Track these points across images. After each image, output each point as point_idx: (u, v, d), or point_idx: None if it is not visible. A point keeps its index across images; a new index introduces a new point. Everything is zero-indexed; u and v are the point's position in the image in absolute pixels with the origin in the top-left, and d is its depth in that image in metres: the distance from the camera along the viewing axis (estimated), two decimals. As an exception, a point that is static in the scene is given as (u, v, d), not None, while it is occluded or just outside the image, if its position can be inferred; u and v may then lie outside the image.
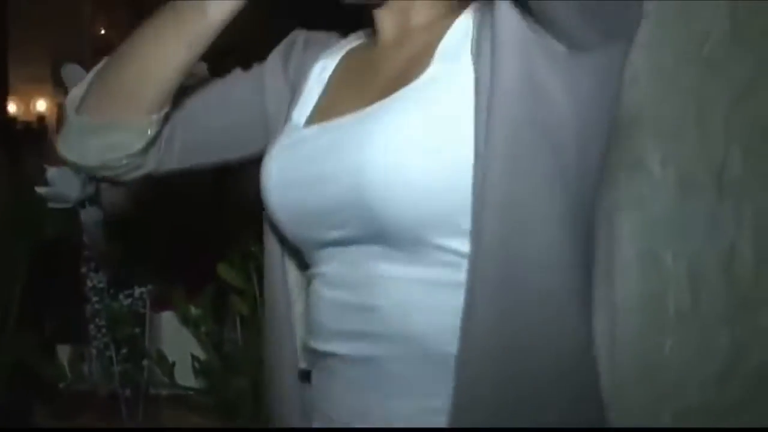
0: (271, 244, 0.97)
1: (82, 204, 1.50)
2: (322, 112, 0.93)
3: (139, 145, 0.91)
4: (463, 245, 0.76)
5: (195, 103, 0.98)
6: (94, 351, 1.55)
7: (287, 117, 0.96)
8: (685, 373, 1.38)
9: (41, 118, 6.17)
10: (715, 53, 1.31)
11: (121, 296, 1.53)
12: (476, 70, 0.77)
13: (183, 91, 0.95)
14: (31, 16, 5.96)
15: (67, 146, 0.93)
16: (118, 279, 1.54)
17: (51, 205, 1.49)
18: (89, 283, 1.53)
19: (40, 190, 1.47)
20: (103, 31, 4.86)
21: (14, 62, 6.21)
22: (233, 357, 1.55)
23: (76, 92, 0.94)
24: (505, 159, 0.74)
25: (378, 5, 0.90)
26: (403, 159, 0.76)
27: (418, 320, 0.80)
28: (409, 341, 0.80)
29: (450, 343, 0.77)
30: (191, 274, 1.55)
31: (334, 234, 0.83)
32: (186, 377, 1.58)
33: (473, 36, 0.80)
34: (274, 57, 1.03)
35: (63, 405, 1.63)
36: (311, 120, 0.93)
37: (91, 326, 1.55)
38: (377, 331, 0.82)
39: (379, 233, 0.79)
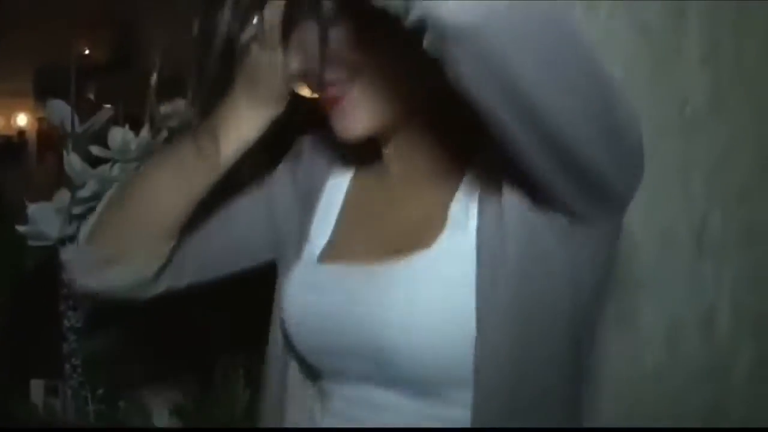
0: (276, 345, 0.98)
1: (62, 242, 1.49)
2: (338, 247, 0.96)
3: (149, 273, 0.92)
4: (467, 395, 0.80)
5: (204, 226, 0.99)
6: (69, 390, 1.53)
7: (302, 238, 0.97)
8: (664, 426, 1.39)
9: (21, 132, 6.14)
10: (696, 117, 1.33)
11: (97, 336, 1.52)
12: (479, 237, 0.79)
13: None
14: (13, 29, 5.95)
15: (74, 271, 0.94)
16: (96, 319, 1.53)
17: (31, 243, 1.48)
18: (66, 323, 1.52)
19: (21, 228, 1.46)
20: (87, 51, 4.84)
21: (-4, 76, 6.21)
22: (207, 400, 1.54)
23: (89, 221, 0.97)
24: (509, 327, 0.77)
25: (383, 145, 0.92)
26: (417, 322, 0.80)
27: None
28: None
29: None
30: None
31: (348, 371, 0.89)
32: (160, 417, 1.57)
33: (479, 199, 0.82)
34: (283, 172, 1.05)
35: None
36: (328, 253, 0.96)
37: (67, 365, 1.53)
38: None
39: (392, 379, 0.84)
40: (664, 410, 1.35)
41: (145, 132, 1.55)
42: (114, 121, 1.64)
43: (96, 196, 1.47)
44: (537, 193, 0.75)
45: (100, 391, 1.51)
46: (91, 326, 1.54)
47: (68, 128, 1.57)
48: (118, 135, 1.51)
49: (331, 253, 0.95)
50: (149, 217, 0.90)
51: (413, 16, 0.61)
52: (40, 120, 6.17)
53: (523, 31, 0.60)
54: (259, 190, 1.03)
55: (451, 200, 0.85)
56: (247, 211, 1.03)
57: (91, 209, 1.48)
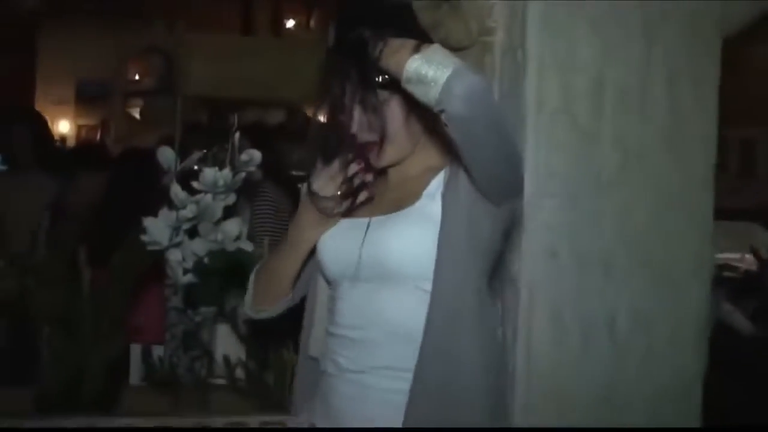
0: (315, 285, 1.63)
1: (170, 247, 2.14)
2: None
3: (282, 309, 1.64)
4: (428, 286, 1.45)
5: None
6: (168, 352, 2.18)
7: None
8: (578, 396, 2.02)
9: (63, 138, 6.78)
10: (609, 181, 1.99)
11: (191, 315, 2.17)
12: (443, 206, 1.45)
13: None
14: (58, 41, 6.59)
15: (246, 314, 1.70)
16: (191, 301, 2.17)
17: (149, 247, 2.13)
18: (169, 303, 2.17)
19: (143, 237, 2.11)
20: (137, 77, 5.46)
21: (41, 85, 6.83)
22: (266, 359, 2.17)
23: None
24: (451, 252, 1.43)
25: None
26: (402, 247, 1.46)
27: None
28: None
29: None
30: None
31: (357, 276, 1.50)
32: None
33: (444, 186, 1.47)
34: None
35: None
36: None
37: (167, 334, 2.18)
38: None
39: (384, 275, 1.47)
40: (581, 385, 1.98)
41: (227, 171, 2.18)
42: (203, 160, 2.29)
43: (196, 218, 2.13)
44: (477, 186, 1.39)
45: (192, 352, 2.15)
46: (186, 307, 2.18)
47: (173, 167, 2.22)
48: (210, 174, 2.15)
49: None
50: (277, 281, 1.62)
51: (437, 107, 1.30)
52: (79, 127, 6.81)
53: (488, 119, 1.33)
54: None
55: (427, 186, 1.48)
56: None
57: (194, 226, 2.13)
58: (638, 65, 2.00)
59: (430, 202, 1.47)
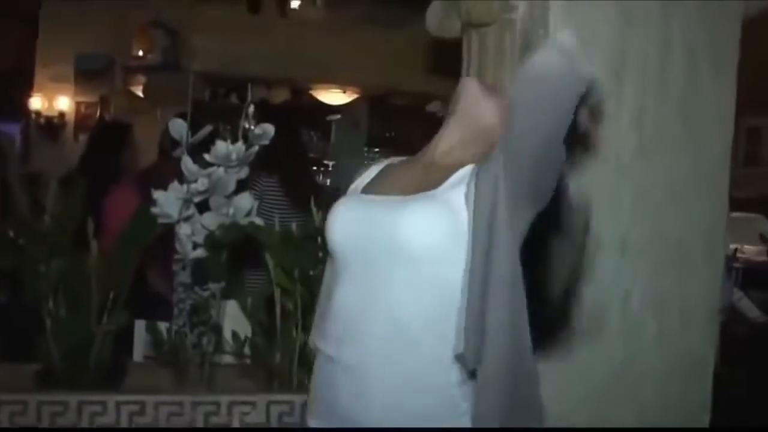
0: (328, 265, 1.58)
1: (181, 221, 2.11)
2: (374, 185, 1.54)
3: None
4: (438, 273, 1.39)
5: None
6: (175, 327, 2.14)
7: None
8: (593, 369, 2.00)
9: (62, 114, 6.70)
10: (627, 164, 1.96)
11: (199, 290, 2.13)
12: (467, 197, 1.39)
13: None
14: (59, 19, 6.47)
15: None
16: (199, 276, 2.14)
17: (159, 220, 2.09)
18: (177, 279, 2.13)
19: (153, 209, 2.07)
20: (140, 53, 5.38)
21: (41, 62, 6.74)
22: (275, 338, 2.15)
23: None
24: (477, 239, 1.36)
25: None
26: (413, 226, 1.39)
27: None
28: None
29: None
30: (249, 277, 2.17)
31: (367, 256, 1.43)
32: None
33: (468, 180, 1.41)
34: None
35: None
36: (365, 190, 1.53)
37: (175, 309, 2.15)
38: None
39: (399, 258, 1.38)
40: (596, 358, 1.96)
41: (240, 144, 2.14)
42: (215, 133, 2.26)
43: (207, 191, 2.09)
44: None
45: (200, 329, 2.12)
46: (194, 282, 2.15)
47: (185, 139, 2.17)
48: (222, 147, 2.11)
49: (368, 190, 1.52)
50: None
51: None
52: (78, 104, 6.74)
53: None
54: None
55: (451, 176, 1.42)
56: None
57: (204, 201, 2.09)
58: (658, 43, 1.97)
59: (451, 191, 1.41)
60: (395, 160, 1.61)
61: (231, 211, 2.09)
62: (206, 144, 2.18)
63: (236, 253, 2.14)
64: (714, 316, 2.06)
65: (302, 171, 3.20)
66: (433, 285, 1.38)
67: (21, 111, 6.66)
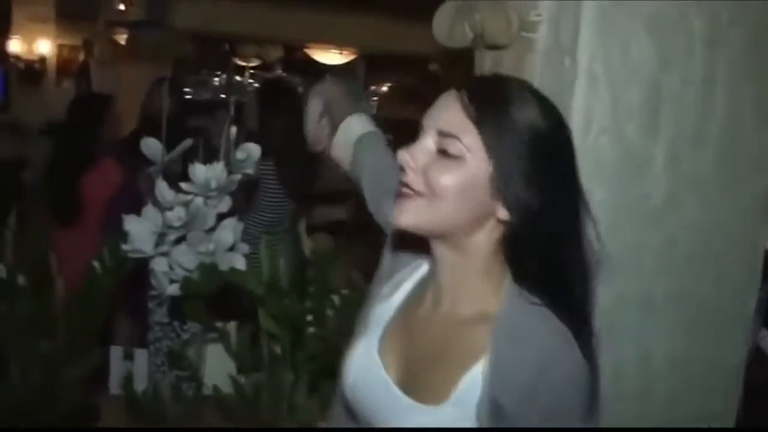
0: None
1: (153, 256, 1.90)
2: (387, 345, 1.26)
3: None
4: None
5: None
6: (153, 366, 1.96)
7: (374, 313, 1.31)
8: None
9: (42, 58, 6.35)
10: (656, 210, 1.75)
11: (178, 329, 1.94)
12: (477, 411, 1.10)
13: None
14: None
15: None
16: (177, 314, 1.94)
17: (130, 255, 1.88)
18: (153, 317, 1.94)
19: (124, 246, 1.86)
20: (122, 6, 5.06)
21: (18, 0, 6.35)
22: (260, 381, 1.97)
23: None
24: None
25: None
26: None
27: None
28: None
29: None
30: (237, 315, 1.97)
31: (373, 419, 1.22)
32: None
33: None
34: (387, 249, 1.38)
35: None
36: (382, 344, 1.26)
37: (152, 347, 1.96)
38: None
39: None
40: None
41: (220, 169, 1.91)
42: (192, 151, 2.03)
43: (185, 225, 1.87)
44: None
45: (177, 371, 1.94)
46: (172, 318, 1.95)
47: (158, 161, 1.95)
48: (201, 172, 1.88)
49: (384, 344, 1.25)
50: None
51: None
52: (60, 47, 6.40)
53: None
54: None
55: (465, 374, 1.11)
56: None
57: (182, 237, 1.88)
58: (698, 84, 1.73)
59: (453, 409, 1.13)
60: (425, 267, 1.31)
61: (211, 247, 1.87)
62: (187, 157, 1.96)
63: (218, 291, 1.94)
64: (739, 377, 1.89)
65: (300, 157, 2.90)
66: None
67: (-1, 55, 6.34)
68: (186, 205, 1.87)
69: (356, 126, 1.58)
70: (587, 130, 1.69)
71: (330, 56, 4.92)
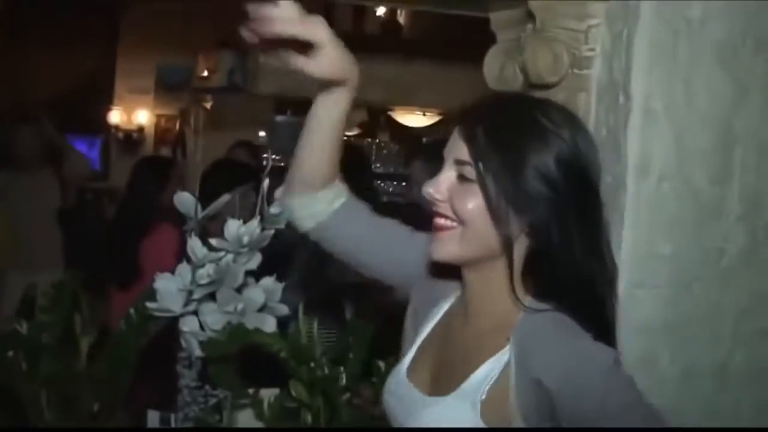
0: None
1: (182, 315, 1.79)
2: (416, 368, 1.31)
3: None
4: None
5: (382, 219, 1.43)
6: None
7: (409, 342, 1.35)
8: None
9: (141, 128, 6.61)
10: (732, 267, 1.51)
11: (208, 393, 1.82)
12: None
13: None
14: (136, 30, 6.38)
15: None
16: (207, 377, 1.82)
17: (156, 314, 1.79)
18: (182, 381, 1.82)
19: (150, 305, 1.77)
20: (205, 73, 5.18)
21: (120, 74, 6.66)
22: None
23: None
24: None
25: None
26: None
27: None
28: None
29: None
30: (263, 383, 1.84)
31: None
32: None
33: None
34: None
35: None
36: (411, 368, 1.32)
37: (181, 414, 1.84)
38: None
39: None
40: None
41: (255, 225, 1.80)
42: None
43: (213, 283, 1.77)
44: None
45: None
46: (202, 381, 1.84)
47: (192, 216, 1.86)
48: (234, 227, 1.78)
49: (413, 367, 1.31)
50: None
51: None
52: (158, 117, 6.63)
53: None
54: (423, 241, 1.30)
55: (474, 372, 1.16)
56: (413, 241, 1.36)
57: (211, 294, 1.77)
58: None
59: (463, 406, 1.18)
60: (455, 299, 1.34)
61: (240, 306, 1.75)
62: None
63: (252, 355, 1.81)
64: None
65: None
66: None
67: (100, 125, 6.61)
68: (216, 262, 1.76)
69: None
70: (644, 174, 1.49)
71: (414, 118, 4.85)
